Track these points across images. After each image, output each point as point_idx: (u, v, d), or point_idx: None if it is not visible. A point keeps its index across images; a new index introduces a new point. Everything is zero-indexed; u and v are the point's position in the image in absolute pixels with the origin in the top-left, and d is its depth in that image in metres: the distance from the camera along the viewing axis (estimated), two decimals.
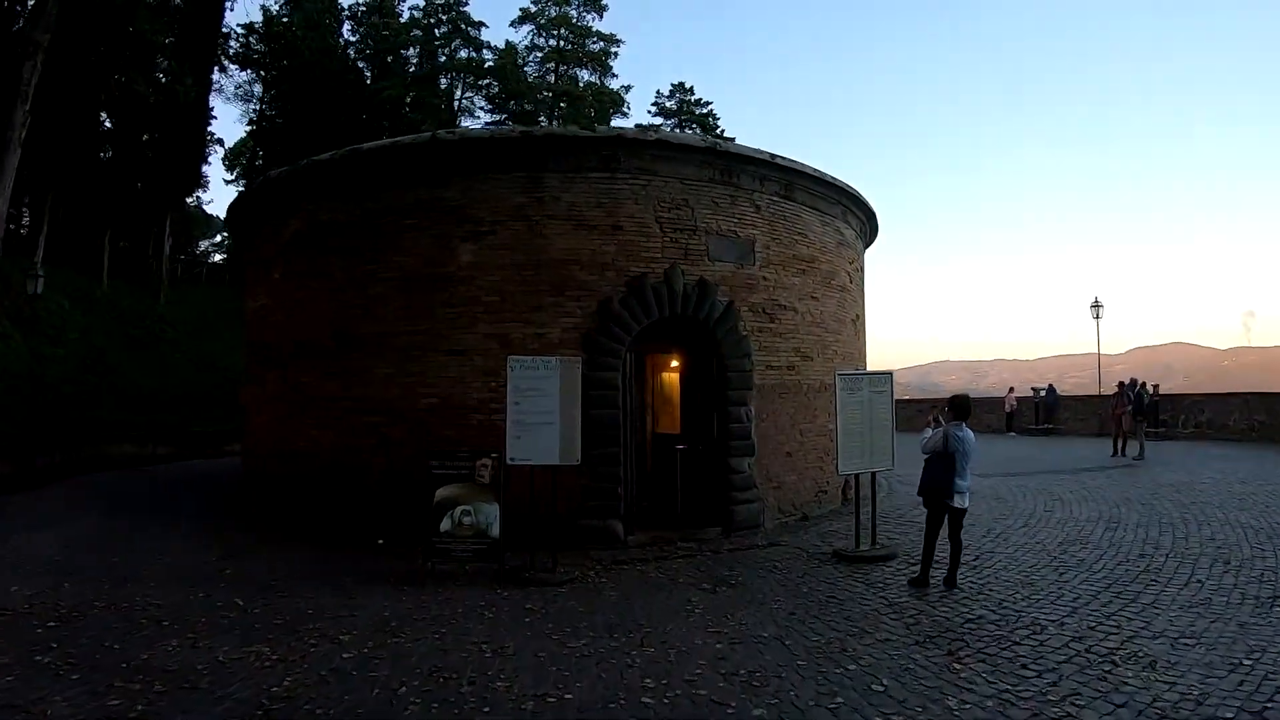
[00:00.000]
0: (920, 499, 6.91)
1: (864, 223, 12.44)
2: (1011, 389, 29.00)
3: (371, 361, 8.93)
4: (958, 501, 6.54)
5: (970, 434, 6.65)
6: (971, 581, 6.68)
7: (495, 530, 7.08)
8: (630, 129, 8.99)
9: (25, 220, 20.98)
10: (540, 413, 7.16)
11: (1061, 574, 6.87)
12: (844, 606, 6.01)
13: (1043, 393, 27.49)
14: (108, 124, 21.79)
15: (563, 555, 7.64)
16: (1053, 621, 5.51)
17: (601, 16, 44.10)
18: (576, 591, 6.59)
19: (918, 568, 6.81)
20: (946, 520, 6.64)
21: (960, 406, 6.79)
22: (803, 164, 9.92)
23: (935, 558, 6.69)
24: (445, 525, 7.11)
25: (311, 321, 9.62)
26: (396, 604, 6.15)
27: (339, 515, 8.90)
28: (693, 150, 8.90)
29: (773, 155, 9.47)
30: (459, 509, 7.14)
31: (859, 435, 7.97)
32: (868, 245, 13.73)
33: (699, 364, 9.27)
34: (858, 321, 12.12)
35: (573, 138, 8.65)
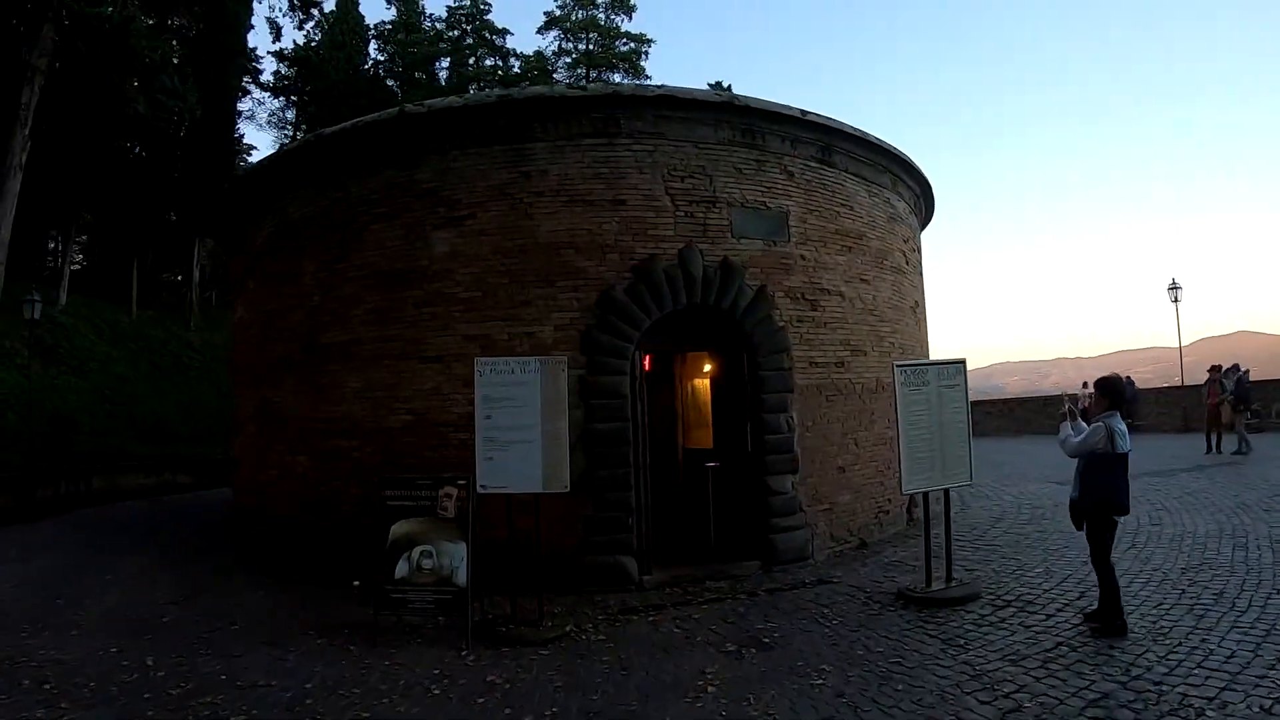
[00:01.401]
0: (1078, 516, 5.36)
1: (918, 196, 10.82)
2: (1085, 383, 27.00)
3: (341, 375, 7.84)
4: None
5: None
6: (1081, 631, 5.12)
7: (461, 576, 5.78)
8: (628, 84, 7.74)
9: (57, 250, 21.05)
10: (517, 428, 5.88)
11: (1199, 616, 5.27)
12: (913, 679, 4.48)
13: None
14: (138, 150, 21.97)
15: (562, 600, 6.39)
16: (1209, 701, 3.94)
17: (630, 17, 43.24)
18: (561, 654, 5.24)
19: (1071, 605, 5.22)
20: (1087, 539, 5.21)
21: (1114, 391, 5.31)
22: (841, 122, 8.44)
23: (1021, 587, 5.09)
24: (401, 569, 5.86)
25: (282, 333, 8.63)
26: (332, 668, 5.03)
27: (314, 551, 7.82)
28: (705, 107, 7.54)
29: (804, 112, 8.02)
30: (418, 549, 5.88)
31: (927, 442, 6.41)
32: (924, 224, 12.06)
33: (728, 363, 7.83)
34: (918, 309, 10.47)
35: (560, 98, 7.41)
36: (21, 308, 12.56)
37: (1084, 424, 5.54)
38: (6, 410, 13.11)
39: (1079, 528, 5.34)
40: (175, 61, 18.31)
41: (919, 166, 10.09)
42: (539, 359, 6.02)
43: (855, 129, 8.59)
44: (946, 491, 6.68)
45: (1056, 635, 5.11)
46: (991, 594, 6.14)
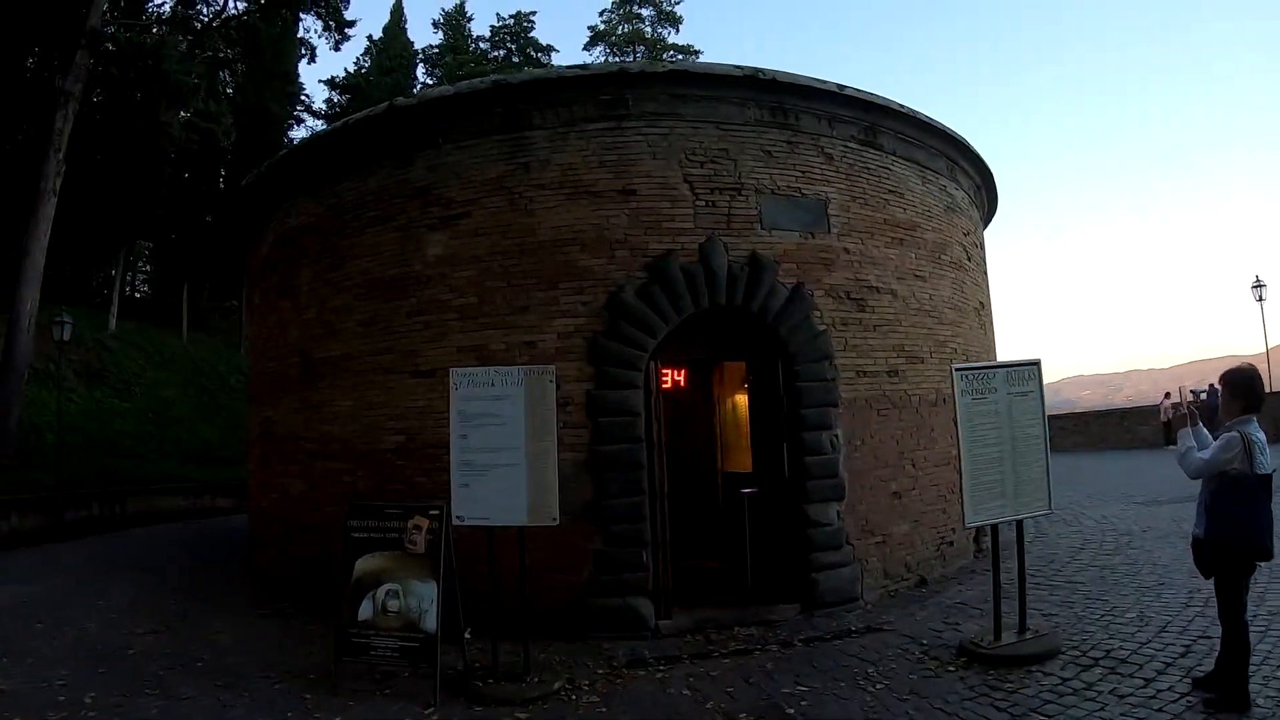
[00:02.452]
0: (1205, 561, 4.11)
1: (978, 186, 9.67)
2: (1168, 394, 24.98)
3: (333, 391, 7.30)
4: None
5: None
6: (1191, 703, 4.03)
7: (430, 621, 5.04)
8: (636, 61, 7.02)
9: (111, 276, 21.78)
10: (498, 449, 5.13)
11: None
12: None
13: (1203, 395, 23.26)
14: (185, 176, 22.65)
15: (564, 647, 5.57)
16: None
17: (677, 29, 42.94)
18: (541, 718, 4.40)
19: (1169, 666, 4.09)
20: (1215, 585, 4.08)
21: (1248, 388, 4.02)
22: (885, 99, 7.47)
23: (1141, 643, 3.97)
24: (365, 611, 5.17)
25: (281, 349, 8.20)
26: None
27: (305, 582, 7.26)
28: (727, 82, 6.72)
29: (841, 86, 7.11)
30: (384, 588, 5.18)
31: (995, 463, 5.34)
32: (986, 220, 10.85)
33: (762, 375, 6.91)
34: (983, 312, 9.29)
35: (560, 79, 6.71)
36: (59, 330, 12.72)
37: (1207, 432, 4.31)
38: (46, 431, 13.31)
39: (1206, 575, 4.15)
40: (227, 89, 18.65)
41: (978, 151, 8.99)
42: (522, 369, 5.26)
43: (902, 106, 7.60)
44: (1020, 523, 5.56)
45: (1160, 708, 4.01)
46: (1075, 649, 5.03)
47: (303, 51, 22.00)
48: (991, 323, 9.80)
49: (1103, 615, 5.77)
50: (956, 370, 5.44)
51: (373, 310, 7.07)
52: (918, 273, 7.64)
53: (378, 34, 40.01)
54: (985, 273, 9.88)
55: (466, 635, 5.80)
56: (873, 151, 7.49)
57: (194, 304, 24.73)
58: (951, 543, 7.67)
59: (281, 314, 8.24)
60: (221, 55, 16.65)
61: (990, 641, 5.13)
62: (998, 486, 5.37)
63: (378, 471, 6.81)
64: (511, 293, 6.44)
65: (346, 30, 21.48)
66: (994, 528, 5.49)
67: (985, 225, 10.81)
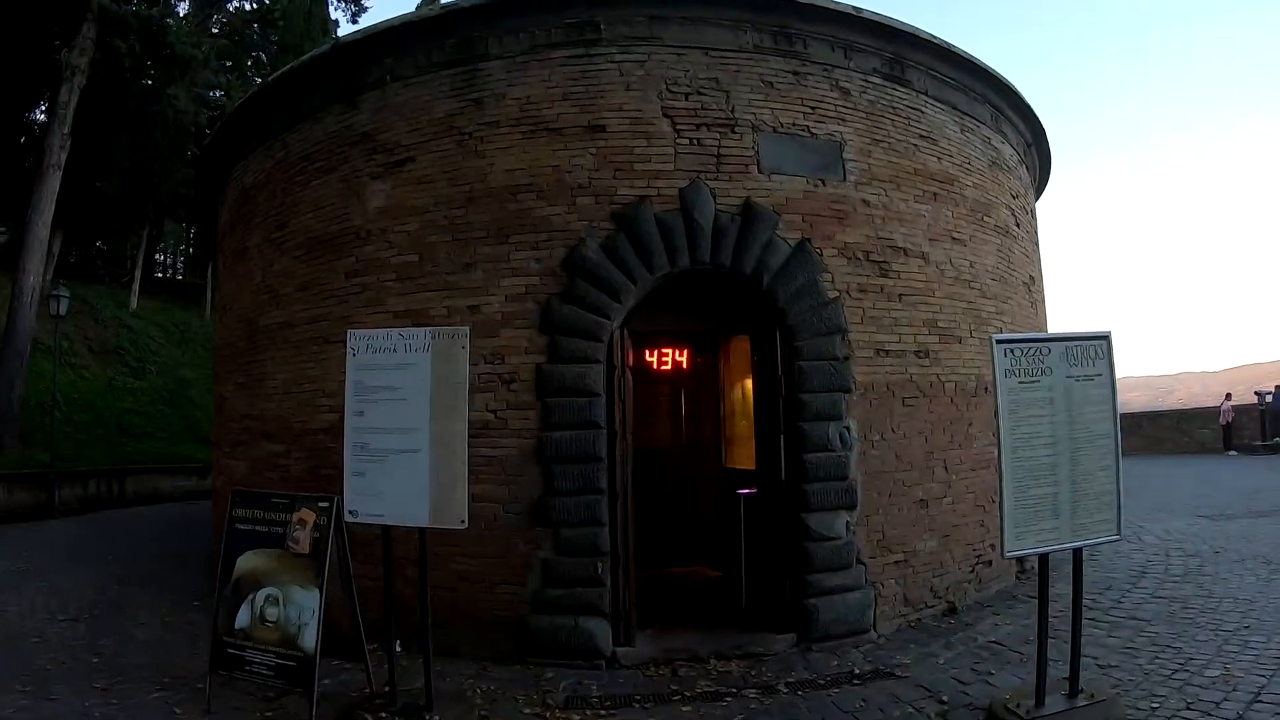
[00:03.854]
0: None
1: (1027, 143, 8.01)
2: (1229, 395, 22.48)
3: (272, 364, 6.26)
4: None
5: None
6: None
7: (308, 638, 3.91)
8: None
9: (135, 254, 21.18)
10: (397, 431, 3.94)
11: None
12: None
13: (1268, 397, 20.85)
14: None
15: (502, 672, 4.53)
16: None
17: None
18: None
19: None
20: None
21: None
22: (914, 28, 5.98)
23: None
24: (243, 617, 4.10)
25: (232, 318, 7.23)
26: None
27: None
28: (718, 1, 5.36)
29: (857, 9, 5.65)
30: (263, 593, 4.08)
31: (1047, 470, 3.88)
32: (1038, 187, 9.13)
33: (763, 352, 5.54)
34: (1033, 288, 7.67)
35: (521, 0, 5.44)
36: (88, 310, 12.22)
37: None
38: (53, 409, 12.86)
39: None
40: (249, 64, 17.93)
41: (1027, 101, 7.36)
42: (430, 330, 4.04)
43: (933, 37, 6.08)
44: (1079, 553, 4.07)
45: None
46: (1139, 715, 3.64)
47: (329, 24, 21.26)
48: (1044, 302, 8.15)
49: (1176, 672, 4.28)
50: (998, 343, 3.97)
51: (311, 272, 6.00)
52: (955, 234, 6.13)
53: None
54: (1037, 245, 8.23)
55: (397, 649, 4.75)
56: (899, 89, 6.01)
57: (217, 282, 24.37)
58: (989, 562, 6.16)
59: (236, 281, 7.27)
60: (236, 35, 16.00)
61: (1030, 708, 3.69)
62: (1049, 502, 3.89)
63: (311, 454, 5.74)
64: (455, 248, 5.24)
65: (362, 2, 20.74)
66: (1043, 562, 4.01)
67: (1038, 195, 9.11)
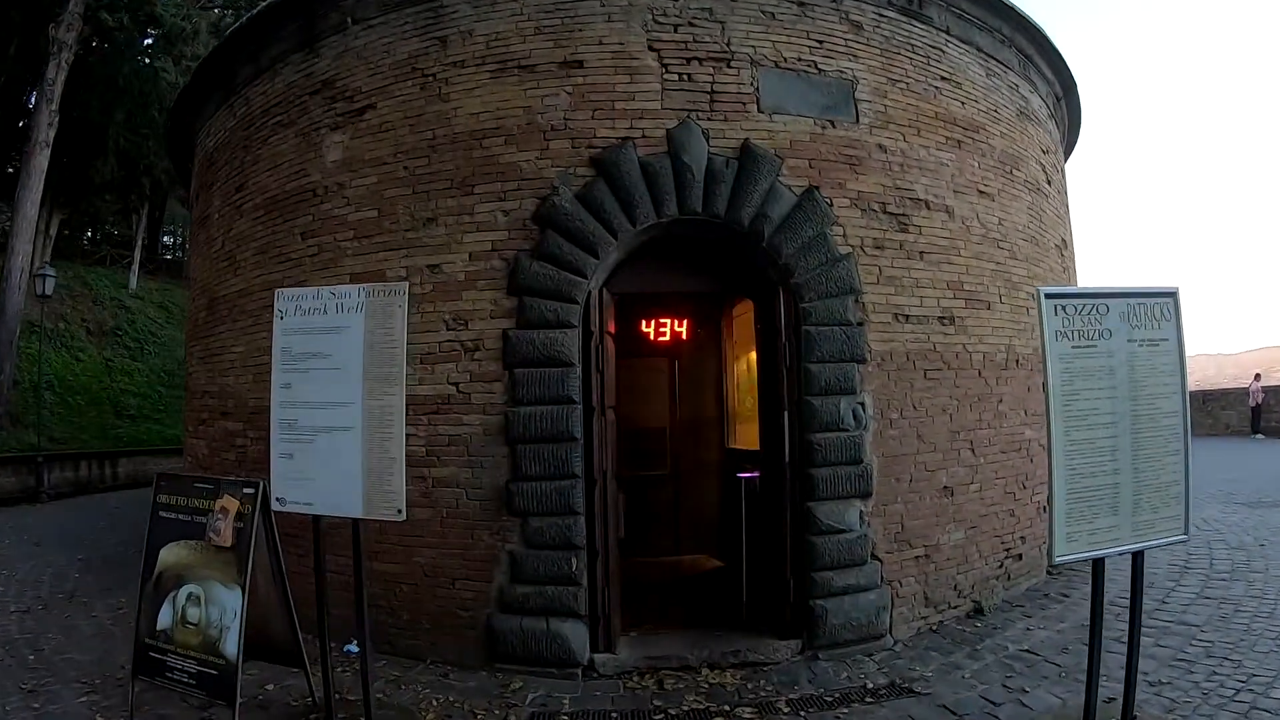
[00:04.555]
0: None
1: (1057, 97, 7.09)
2: (1258, 375, 21.07)
3: (230, 335, 5.62)
4: None
5: None
6: None
7: (230, 643, 3.27)
8: None
9: (134, 233, 20.41)
10: (328, 406, 3.28)
11: None
12: None
13: None
14: None
15: (465, 679, 3.90)
16: None
17: None
18: None
19: None
20: None
21: None
22: None
23: None
24: (165, 617, 3.47)
25: (197, 289, 6.59)
26: None
27: None
28: None
29: None
30: (184, 591, 3.45)
31: (1105, 455, 3.11)
32: (1068, 147, 8.20)
33: (763, 317, 4.79)
34: (1065, 252, 6.81)
35: None
36: (87, 291, 11.71)
37: None
38: (44, 390, 12.42)
39: None
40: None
41: (1057, 48, 6.45)
42: (364, 287, 3.34)
43: None
44: (1140, 557, 3.30)
45: None
46: None
47: None
48: (1076, 269, 7.28)
49: (1238, 692, 3.52)
50: (1047, 296, 3.18)
51: (268, 235, 5.34)
52: (982, 187, 5.31)
53: None
54: (1067, 206, 7.34)
55: (353, 649, 4.18)
56: (918, 24, 5.16)
57: None
58: (1019, 556, 5.39)
59: (199, 249, 6.65)
60: (230, 6, 15.26)
61: None
62: (1108, 495, 3.13)
63: (266, 433, 5.09)
64: (416, 202, 4.53)
65: None
66: (1098, 568, 3.23)
67: (1068, 154, 8.19)
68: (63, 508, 11.16)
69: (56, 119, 11.67)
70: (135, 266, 16.85)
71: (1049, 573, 5.93)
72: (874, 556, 4.37)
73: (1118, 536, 3.17)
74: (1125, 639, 3.18)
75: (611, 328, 4.35)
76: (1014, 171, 5.76)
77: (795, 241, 4.35)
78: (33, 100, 11.67)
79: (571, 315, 4.14)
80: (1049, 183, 6.50)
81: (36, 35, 11.89)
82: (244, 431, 5.34)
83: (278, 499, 3.42)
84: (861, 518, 4.33)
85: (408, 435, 4.30)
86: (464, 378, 4.23)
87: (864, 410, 4.40)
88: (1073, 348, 3.18)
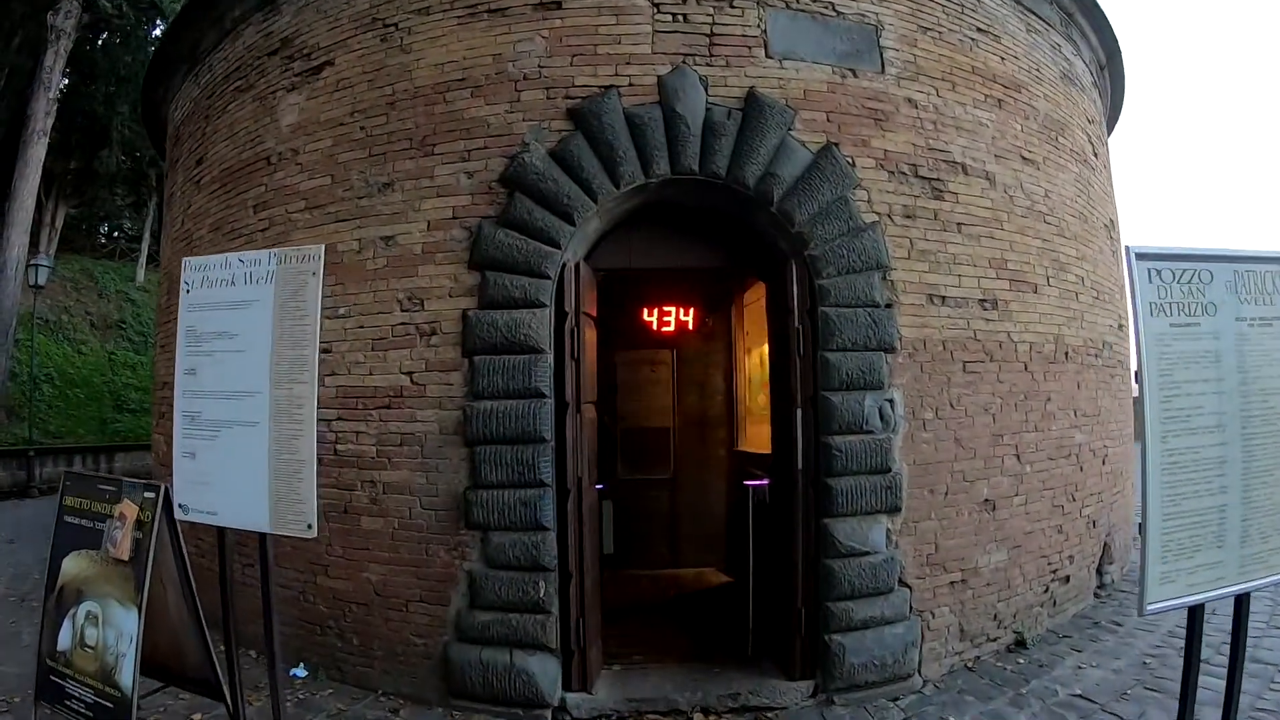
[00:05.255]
0: None
1: (1100, 65, 6.21)
2: None
3: None
4: None
5: None
6: None
7: (125, 672, 2.61)
8: None
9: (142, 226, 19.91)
10: (233, 396, 2.60)
11: None
12: None
13: None
14: None
15: (417, 717, 3.06)
16: None
17: None
18: None
19: None
20: None
21: None
22: None
23: None
24: (65, 638, 2.85)
25: (163, 273, 6.00)
26: None
27: None
28: None
29: None
30: (84, 608, 2.81)
31: (1211, 467, 2.31)
32: (1110, 121, 7.27)
33: (772, 296, 4.02)
34: (1113, 233, 5.93)
35: None
36: (92, 284, 11.24)
37: None
38: (44, 383, 12.03)
39: None
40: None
41: (1101, 7, 5.59)
42: (274, 252, 2.65)
43: None
44: (1245, 600, 2.48)
45: None
46: None
47: None
48: (1121, 255, 6.35)
49: None
50: (1139, 258, 2.38)
51: (223, 209, 4.70)
52: (1026, 153, 4.48)
53: None
54: (1112, 184, 6.45)
55: (300, 673, 3.55)
56: None
57: None
58: (1066, 578, 4.55)
59: (166, 231, 6.04)
60: None
61: None
62: (1214, 521, 2.33)
63: None
64: (371, 165, 3.84)
65: None
66: (1196, 616, 2.41)
67: (1110, 128, 7.27)
68: (52, 503, 10.57)
69: (55, 108, 11.27)
70: (142, 259, 16.50)
71: (1096, 595, 5.10)
72: (902, 583, 3.58)
73: (1222, 575, 2.36)
74: (1181, 680, 2.38)
75: (593, 310, 3.62)
76: (1059, 138, 4.92)
77: (810, 206, 3.58)
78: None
79: (541, 292, 3.41)
80: (1095, 155, 5.64)
81: (39, 26, 11.49)
82: None
83: (180, 506, 2.75)
84: (888, 537, 3.54)
85: (357, 433, 3.64)
86: (419, 366, 3.53)
87: (892, 409, 3.61)
88: (1171, 326, 2.38)
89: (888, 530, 3.53)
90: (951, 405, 3.81)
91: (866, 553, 3.43)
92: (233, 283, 2.72)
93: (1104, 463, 5.06)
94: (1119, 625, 4.66)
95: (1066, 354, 4.55)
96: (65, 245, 15.44)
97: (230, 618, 2.81)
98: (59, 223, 14.18)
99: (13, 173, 11.07)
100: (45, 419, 11.64)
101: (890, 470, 3.54)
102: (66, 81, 12.38)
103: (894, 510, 3.54)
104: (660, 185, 3.53)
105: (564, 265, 3.45)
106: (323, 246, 2.61)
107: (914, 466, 3.65)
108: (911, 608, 3.60)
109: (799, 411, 3.58)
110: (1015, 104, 4.54)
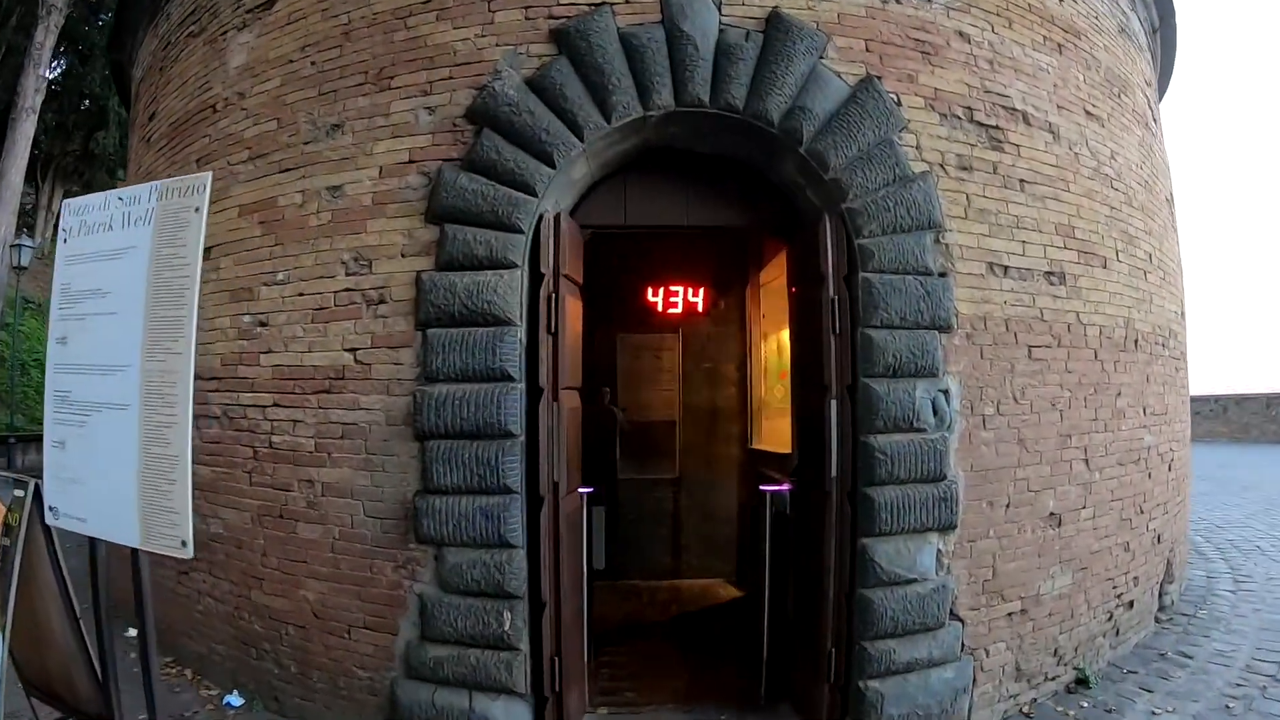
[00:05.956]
0: None
1: (1154, 27, 5.40)
2: None
3: None
4: None
5: None
6: None
7: None
8: None
9: None
10: (104, 369, 1.89)
11: None
12: None
13: None
14: None
15: None
16: None
17: None
18: None
19: None
20: None
21: None
22: None
23: None
24: None
25: None
26: None
27: None
28: None
29: None
30: None
31: None
32: (1161, 88, 6.44)
33: (798, 260, 3.26)
34: (1173, 209, 5.13)
35: None
36: (16, 254, 10.54)
37: None
38: (32, 368, 11.47)
39: None
40: None
41: None
42: (156, 185, 1.92)
43: None
44: None
45: None
46: None
47: None
48: (1178, 234, 5.56)
49: None
50: None
51: (167, 166, 4.02)
52: (1090, 108, 3.70)
53: None
54: (1167, 158, 5.64)
55: (235, 701, 2.90)
56: None
57: None
58: (1130, 603, 3.77)
59: None
60: None
61: None
62: None
63: None
64: (320, 105, 3.13)
65: None
66: None
67: (1161, 95, 6.45)
68: None
69: (44, 85, 10.71)
70: None
71: (1157, 619, 4.31)
72: (954, 616, 2.82)
73: None
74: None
75: (578, 275, 2.89)
76: (1123, 96, 4.13)
77: (849, 147, 2.82)
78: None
79: (511, 250, 2.68)
80: (1155, 120, 4.87)
81: (34, 4, 10.93)
82: None
83: (50, 508, 2.05)
84: (939, 560, 2.78)
85: (294, 423, 2.93)
86: (364, 342, 2.81)
87: (947, 401, 2.85)
88: None
89: (939, 552, 2.77)
90: (1015, 398, 3.04)
91: (913, 580, 2.67)
92: (110, 227, 2.01)
93: (1170, 469, 4.28)
94: (1189, 658, 3.88)
95: (1136, 341, 3.78)
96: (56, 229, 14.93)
97: (107, 650, 2.11)
98: (56, 205, 13.67)
99: (0, 150, 10.48)
100: (30, 405, 11.02)
101: (945, 478, 2.77)
102: (63, 62, 11.84)
103: (948, 528, 2.77)
104: (662, 121, 2.79)
105: (541, 217, 2.72)
106: (209, 174, 1.89)
107: (971, 473, 2.89)
108: (964, 645, 2.84)
109: (833, 404, 2.82)
110: (1076, 51, 3.76)
